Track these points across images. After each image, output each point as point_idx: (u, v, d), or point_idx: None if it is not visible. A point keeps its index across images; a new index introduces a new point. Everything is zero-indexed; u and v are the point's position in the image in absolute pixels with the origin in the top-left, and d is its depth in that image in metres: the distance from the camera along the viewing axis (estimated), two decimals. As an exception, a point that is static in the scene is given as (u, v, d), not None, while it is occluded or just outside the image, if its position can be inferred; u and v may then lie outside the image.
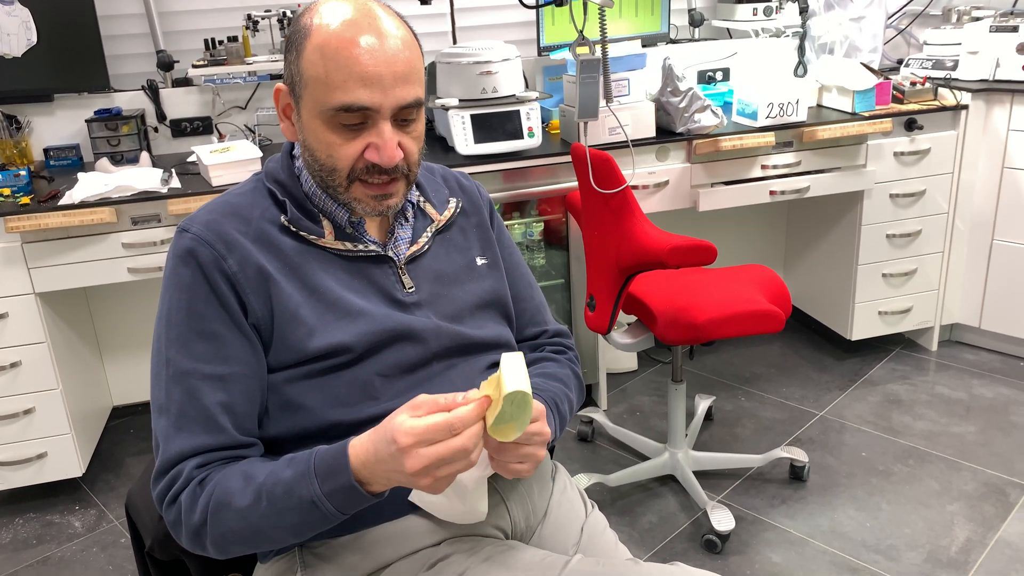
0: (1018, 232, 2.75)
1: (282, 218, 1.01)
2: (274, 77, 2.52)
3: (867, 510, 2.18)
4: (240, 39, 2.49)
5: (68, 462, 2.31)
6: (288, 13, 2.48)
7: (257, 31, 2.48)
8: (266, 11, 2.49)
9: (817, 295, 3.07)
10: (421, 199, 1.12)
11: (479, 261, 1.13)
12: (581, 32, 2.15)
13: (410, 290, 1.05)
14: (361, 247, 1.03)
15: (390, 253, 1.05)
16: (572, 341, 1.23)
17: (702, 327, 1.95)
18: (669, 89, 2.41)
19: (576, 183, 2.35)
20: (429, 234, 1.10)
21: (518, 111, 2.33)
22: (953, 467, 2.34)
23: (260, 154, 2.12)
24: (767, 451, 2.37)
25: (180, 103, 2.60)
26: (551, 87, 2.74)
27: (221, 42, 2.47)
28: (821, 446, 2.48)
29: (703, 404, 2.58)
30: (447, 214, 1.13)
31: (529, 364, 1.16)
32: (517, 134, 2.33)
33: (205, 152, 2.20)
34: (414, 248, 1.08)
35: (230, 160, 2.08)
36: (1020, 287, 2.79)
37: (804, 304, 3.17)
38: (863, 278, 2.81)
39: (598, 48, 2.19)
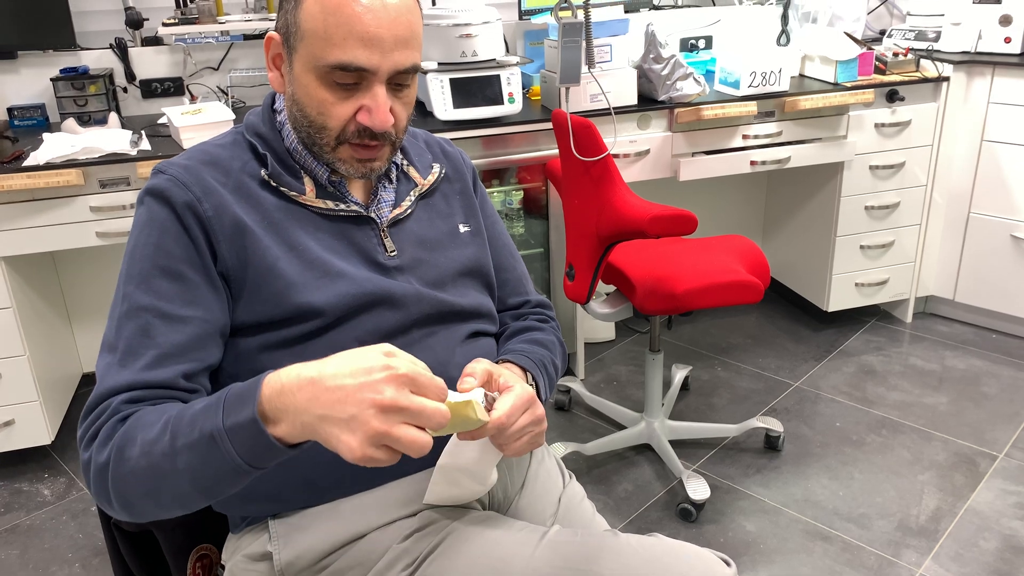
0: (994, 205, 2.77)
1: (262, 172, 0.98)
2: (248, 37, 2.45)
3: (840, 479, 2.20)
4: (212, -3, 2.41)
5: (36, 429, 2.27)
6: (262, -30, 2.41)
7: (229, -11, 2.40)
8: (239, -32, 2.41)
9: (795, 266, 3.07)
10: (404, 162, 1.09)
11: (462, 228, 1.11)
12: (563, -5, 2.10)
13: (392, 254, 1.02)
14: (343, 207, 1.01)
15: (372, 215, 1.03)
16: (553, 312, 1.21)
17: (681, 297, 1.94)
18: (652, 56, 2.38)
19: (557, 151, 2.32)
20: (413, 198, 1.07)
21: (498, 76, 2.28)
22: (925, 437, 2.37)
23: (233, 116, 2.06)
24: (743, 421, 2.38)
25: (150, 63, 2.52)
26: (532, 52, 2.69)
27: (192, 0, 2.39)
28: (796, 416, 2.50)
29: (680, 374, 2.59)
30: (431, 179, 1.10)
31: (513, 332, 1.14)
32: (497, 99, 2.29)
33: (176, 114, 2.14)
34: (397, 211, 1.05)
35: (202, 122, 2.02)
36: (994, 260, 2.81)
37: (781, 275, 3.18)
38: (841, 249, 2.81)
39: (580, 12, 2.15)
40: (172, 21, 2.36)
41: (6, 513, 2.19)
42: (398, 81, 0.95)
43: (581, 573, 0.86)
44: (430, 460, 0.98)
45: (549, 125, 2.32)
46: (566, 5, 2.10)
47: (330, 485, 0.96)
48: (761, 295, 2.00)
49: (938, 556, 1.91)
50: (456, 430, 0.83)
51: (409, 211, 1.06)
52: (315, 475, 0.95)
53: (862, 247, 2.83)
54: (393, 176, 1.07)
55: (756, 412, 2.52)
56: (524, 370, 1.04)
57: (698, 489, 2.08)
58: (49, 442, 2.32)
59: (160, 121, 2.35)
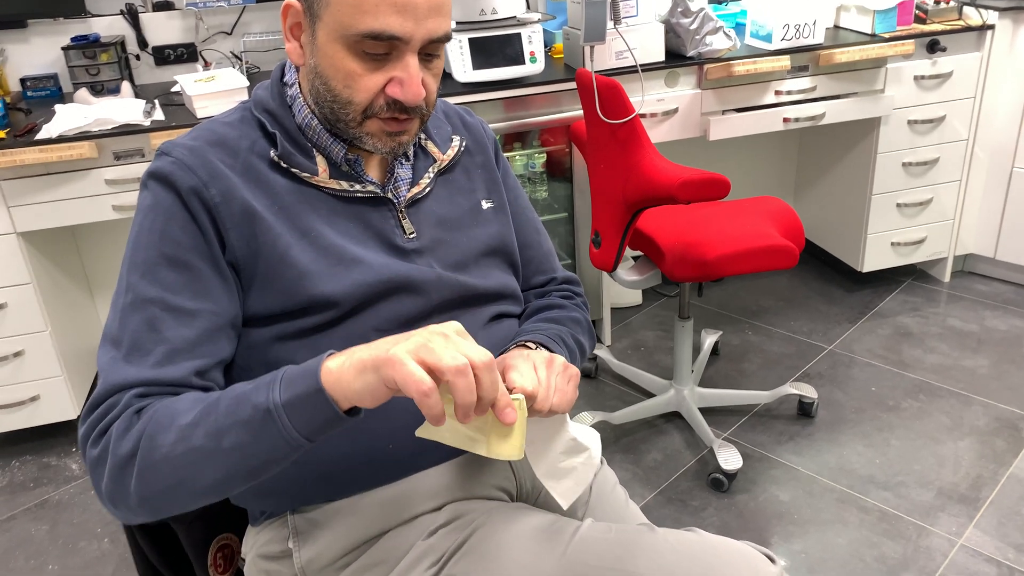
0: (1040, 159, 2.64)
1: (272, 152, 0.92)
2: (260, 0, 2.38)
3: (876, 446, 2.14)
4: (222, -42, 2.34)
5: (62, 404, 2.27)
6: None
7: (240, -51, 2.32)
8: (248, -73, 2.32)
9: (828, 226, 2.98)
10: (422, 136, 1.03)
11: (484, 205, 1.05)
12: (586, -53, 2.00)
13: (411, 236, 0.97)
14: (359, 187, 0.95)
15: (390, 195, 0.97)
16: (581, 288, 1.15)
17: (712, 264, 1.87)
18: (679, 10, 2.27)
19: (581, 112, 2.24)
20: (431, 175, 1.01)
21: (519, 34, 2.19)
22: (964, 402, 2.30)
23: (247, 83, 2.00)
24: (775, 387, 2.32)
25: (162, 29, 2.46)
26: (554, 8, 2.59)
27: (202, -39, 2.32)
28: (829, 381, 2.43)
29: (709, 339, 2.53)
30: (450, 153, 1.04)
31: (532, 311, 1.09)
32: (518, 59, 2.20)
33: (189, 81, 2.08)
34: (415, 190, 0.99)
35: (215, 90, 1.96)
36: (1039, 216, 2.70)
37: (814, 235, 3.08)
38: (876, 208, 2.71)
39: (605, -35, 2.04)
40: (182, -15, 2.29)
41: (35, 488, 2.21)
42: (429, 51, 0.88)
43: (615, 572, 0.82)
44: (451, 452, 0.94)
45: (572, 85, 2.23)
46: (589, -42, 2.00)
47: (348, 480, 0.92)
48: (796, 260, 1.93)
49: (979, 525, 1.86)
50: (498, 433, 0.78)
51: (428, 189, 1.00)
52: (331, 469, 0.91)
53: (899, 205, 2.73)
54: (410, 152, 1.01)
55: (788, 377, 2.46)
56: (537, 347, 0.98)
57: (730, 459, 2.03)
58: (75, 416, 2.32)
59: (174, 90, 2.29)
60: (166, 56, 2.47)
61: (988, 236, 2.84)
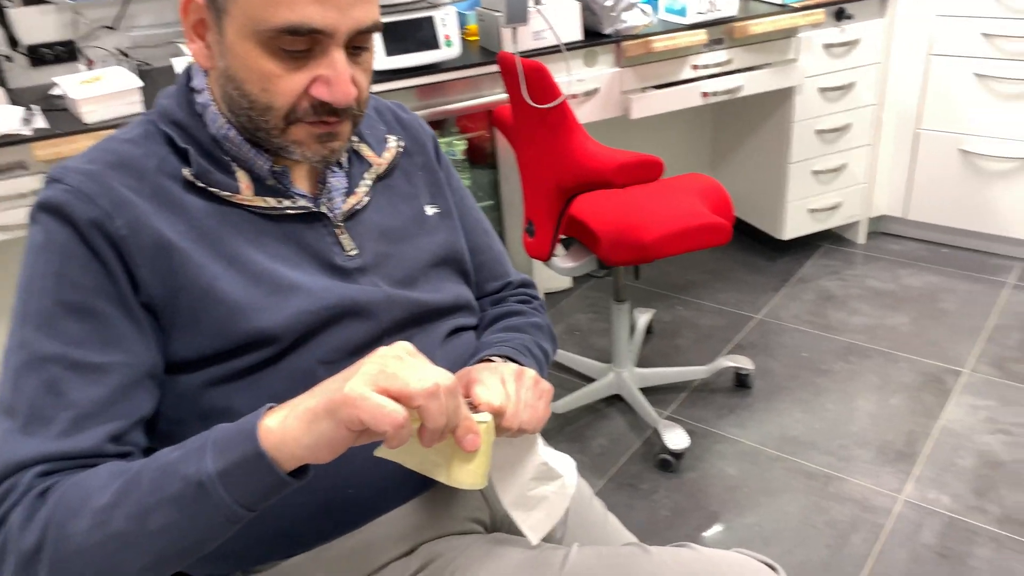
0: (943, 121, 2.73)
1: (185, 171, 0.80)
2: (146, -10, 2.19)
3: (814, 412, 2.18)
4: (100, -54, 2.14)
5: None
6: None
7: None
8: (127, -89, 2.13)
9: (747, 196, 3.01)
10: (355, 139, 0.93)
11: (429, 211, 0.96)
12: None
13: (352, 253, 0.87)
14: (288, 203, 0.84)
15: (324, 209, 0.87)
16: (537, 291, 1.09)
17: (650, 246, 1.84)
18: (594, -14, 2.22)
19: (502, 96, 2.17)
20: (369, 182, 0.92)
21: (431, 17, 2.09)
22: (891, 360, 2.36)
23: (139, 83, 1.83)
24: (710, 360, 2.33)
25: (35, 25, 2.23)
26: (464, -12, 2.49)
27: (77, -50, 2.12)
28: (762, 350, 2.46)
29: (643, 318, 2.52)
30: (387, 156, 0.94)
31: (490, 321, 1.02)
32: (432, 43, 2.10)
33: (72, 83, 1.90)
34: (352, 201, 0.89)
35: (103, 92, 1.79)
36: (945, 175, 2.80)
37: (734, 207, 3.10)
38: (794, 176, 2.75)
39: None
40: (56, -24, 2.09)
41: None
42: (357, 43, 0.78)
43: (615, 599, 0.77)
44: (416, 487, 0.87)
45: (492, 68, 2.15)
46: (501, -65, 1.92)
47: (306, 533, 0.83)
48: (730, 235, 1.92)
49: (919, 480, 1.91)
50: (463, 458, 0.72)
51: (366, 199, 0.90)
52: (286, 524, 0.81)
53: (814, 172, 2.78)
54: (344, 159, 0.91)
55: (722, 350, 2.48)
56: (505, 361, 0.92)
57: (677, 438, 2.03)
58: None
59: (53, 92, 2.09)
60: (42, 56, 2.25)
61: (898, 197, 2.93)
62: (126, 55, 2.23)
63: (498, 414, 0.76)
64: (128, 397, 0.74)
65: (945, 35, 2.62)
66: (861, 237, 3.01)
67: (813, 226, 2.89)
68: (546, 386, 0.82)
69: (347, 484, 0.82)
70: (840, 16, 2.53)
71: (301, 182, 0.88)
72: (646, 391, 2.22)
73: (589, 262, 1.99)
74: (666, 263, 3.01)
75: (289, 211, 0.84)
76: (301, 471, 0.67)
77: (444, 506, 0.88)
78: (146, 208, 0.77)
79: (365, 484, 0.81)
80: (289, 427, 0.65)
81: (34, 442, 0.70)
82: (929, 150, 2.79)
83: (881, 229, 3.08)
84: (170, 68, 2.16)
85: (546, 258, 1.95)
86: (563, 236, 2.04)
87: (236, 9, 0.74)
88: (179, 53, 2.07)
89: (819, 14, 2.43)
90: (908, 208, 2.92)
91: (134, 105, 1.80)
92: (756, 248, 3.05)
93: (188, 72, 0.86)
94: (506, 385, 0.78)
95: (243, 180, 0.83)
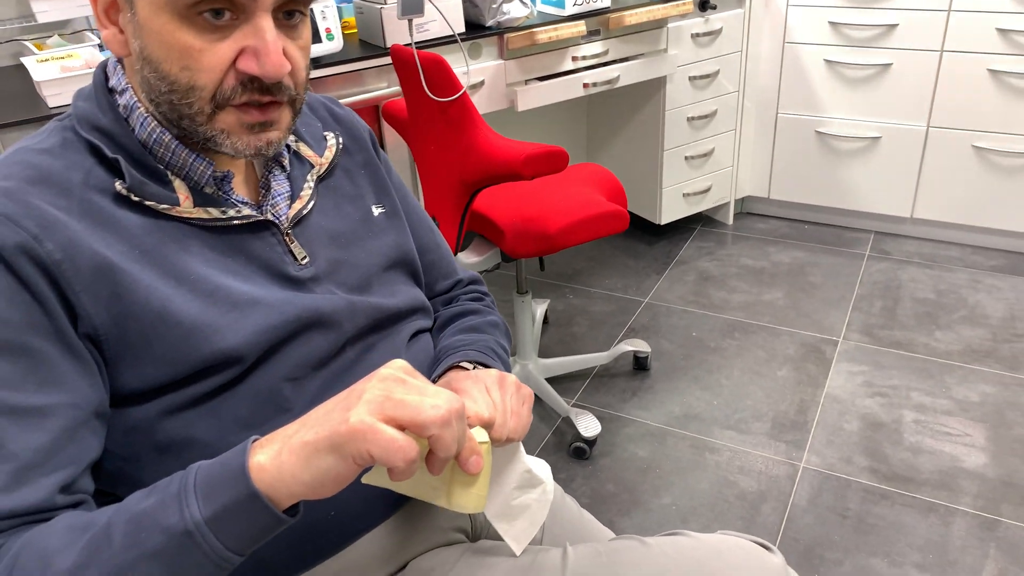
0: (799, 104, 2.91)
1: (117, 184, 0.71)
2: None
3: (711, 389, 2.27)
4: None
5: None
6: None
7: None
8: None
9: (623, 184, 3.07)
10: (293, 138, 0.86)
11: (375, 211, 0.90)
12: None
13: (304, 261, 0.81)
14: (232, 212, 0.76)
15: (269, 216, 0.80)
16: (486, 287, 1.05)
17: (554, 237, 1.84)
18: (474, -23, 2.19)
19: (388, 90, 2.10)
20: (311, 184, 0.85)
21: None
22: (773, 334, 2.49)
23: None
24: (608, 346, 2.37)
25: None
26: (335, -20, 2.39)
27: None
28: (654, 332, 2.53)
29: (539, 309, 2.52)
30: (328, 155, 0.88)
31: (446, 321, 0.98)
32: (313, 38, 2.00)
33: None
34: (297, 205, 0.82)
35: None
36: (802, 156, 2.98)
37: (610, 193, 3.18)
38: (668, 163, 2.85)
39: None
40: None
41: None
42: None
43: (623, 597, 0.75)
44: (395, 502, 0.82)
45: (373, 63, 2.08)
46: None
47: (288, 561, 0.76)
48: (628, 222, 1.95)
49: (813, 446, 2.03)
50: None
51: (311, 202, 0.84)
52: (265, 553, 0.74)
53: (687, 158, 2.89)
54: (286, 161, 0.84)
55: (616, 335, 2.53)
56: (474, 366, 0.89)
57: (589, 425, 2.04)
58: None
59: None
60: None
61: (761, 178, 3.10)
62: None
63: (487, 425, 0.72)
64: (74, 441, 0.66)
65: (798, 24, 2.79)
66: (730, 218, 3.16)
67: (687, 210, 3.00)
68: (527, 391, 0.79)
69: (328, 506, 0.76)
70: (704, 7, 2.64)
71: (240, 188, 0.80)
72: (551, 381, 2.23)
73: (493, 256, 1.97)
74: (550, 254, 3.03)
75: (235, 221, 0.77)
76: (294, 507, 0.61)
77: (425, 518, 0.84)
78: (78, 228, 0.68)
79: (346, 505, 0.76)
80: (285, 463, 0.59)
81: None
82: (788, 133, 2.97)
83: (747, 210, 3.25)
84: (17, 68, 1.94)
85: (453, 253, 1.90)
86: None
87: None
88: (26, 52, 1.85)
89: (687, 4, 2.52)
90: (770, 188, 3.10)
91: (-19, 110, 1.59)
92: (634, 233, 3.14)
93: (104, 70, 0.76)
94: (491, 393, 0.75)
95: (181, 190, 0.75)
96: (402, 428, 0.59)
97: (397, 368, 0.63)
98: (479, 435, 0.70)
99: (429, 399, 0.60)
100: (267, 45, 0.69)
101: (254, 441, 0.61)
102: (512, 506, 0.80)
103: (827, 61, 2.80)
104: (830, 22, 2.74)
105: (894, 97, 2.75)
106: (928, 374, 2.26)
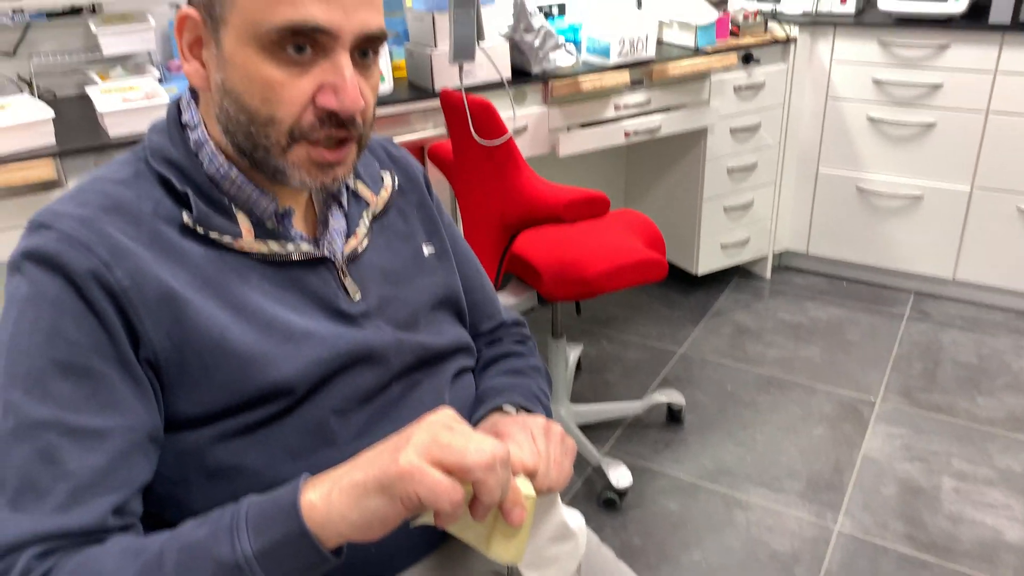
0: (840, 161, 2.91)
1: (185, 216, 0.74)
2: (51, 16, 2.03)
3: (744, 444, 2.23)
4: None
5: None
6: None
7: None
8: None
9: (660, 232, 3.08)
10: (352, 176, 0.88)
11: (426, 251, 0.92)
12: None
13: (356, 297, 0.82)
14: (291, 247, 0.78)
15: (326, 252, 0.81)
16: (528, 330, 1.06)
17: (592, 281, 1.84)
18: (522, 26, 2.24)
19: (435, 132, 2.14)
20: (367, 222, 0.87)
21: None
22: (809, 391, 2.46)
23: (51, 113, 1.69)
24: (640, 395, 2.35)
25: (-84, 48, 2.03)
26: (390, 23, 2.45)
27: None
28: (688, 383, 2.51)
29: (573, 354, 2.52)
30: (384, 195, 0.90)
31: (488, 362, 0.98)
32: (364, 79, 2.05)
33: (-32, 112, 1.72)
34: (353, 243, 0.84)
35: (11, 123, 1.63)
36: (842, 212, 2.97)
37: (647, 242, 3.18)
38: (707, 213, 2.85)
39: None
40: (-56, -4, 1.90)
41: None
42: (363, 49, 0.74)
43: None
44: (435, 541, 0.82)
45: (422, 105, 2.12)
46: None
47: None
48: (667, 271, 1.95)
49: (849, 509, 1.98)
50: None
51: (366, 240, 0.86)
52: None
53: (726, 209, 2.88)
54: (344, 199, 0.86)
55: (650, 384, 2.51)
56: (518, 410, 0.89)
57: (621, 476, 2.02)
58: None
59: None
60: (-76, 81, 2.04)
61: (800, 233, 3.08)
62: (28, 83, 2.06)
63: (530, 473, 0.72)
64: (128, 464, 0.67)
65: (841, 80, 2.80)
66: (767, 272, 3.14)
67: (725, 261, 2.99)
68: (571, 443, 0.79)
69: (370, 543, 0.75)
70: (748, 60, 2.66)
71: (299, 224, 0.82)
72: (582, 428, 2.21)
73: (529, 298, 1.97)
74: (586, 299, 3.03)
75: (294, 256, 0.79)
76: (339, 547, 0.62)
77: (461, 561, 0.83)
78: (146, 256, 0.70)
79: (387, 541, 0.75)
80: (335, 503, 0.60)
81: (28, 519, 0.62)
82: (828, 188, 2.96)
83: (785, 264, 3.23)
84: (81, 98, 2.01)
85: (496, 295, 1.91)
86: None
87: (235, 15, 0.69)
88: (89, 82, 1.92)
89: (732, 57, 2.54)
90: (809, 243, 3.08)
91: (46, 137, 1.65)
92: (670, 283, 3.13)
93: (177, 106, 0.79)
94: (536, 442, 0.75)
95: (244, 224, 0.77)
96: (449, 472, 0.60)
97: (445, 415, 0.65)
98: (525, 487, 0.69)
99: (474, 443, 0.61)
100: (345, 81, 0.71)
101: (306, 480, 0.62)
102: (544, 556, 0.80)
103: (870, 118, 2.80)
104: (874, 79, 2.75)
105: (937, 156, 2.73)
106: (969, 440, 2.20)
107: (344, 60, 0.71)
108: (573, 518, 0.82)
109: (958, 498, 2.00)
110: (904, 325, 2.78)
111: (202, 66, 0.74)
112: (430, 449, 0.60)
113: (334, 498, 0.60)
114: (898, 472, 2.10)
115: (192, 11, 0.72)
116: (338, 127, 0.73)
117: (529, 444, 0.74)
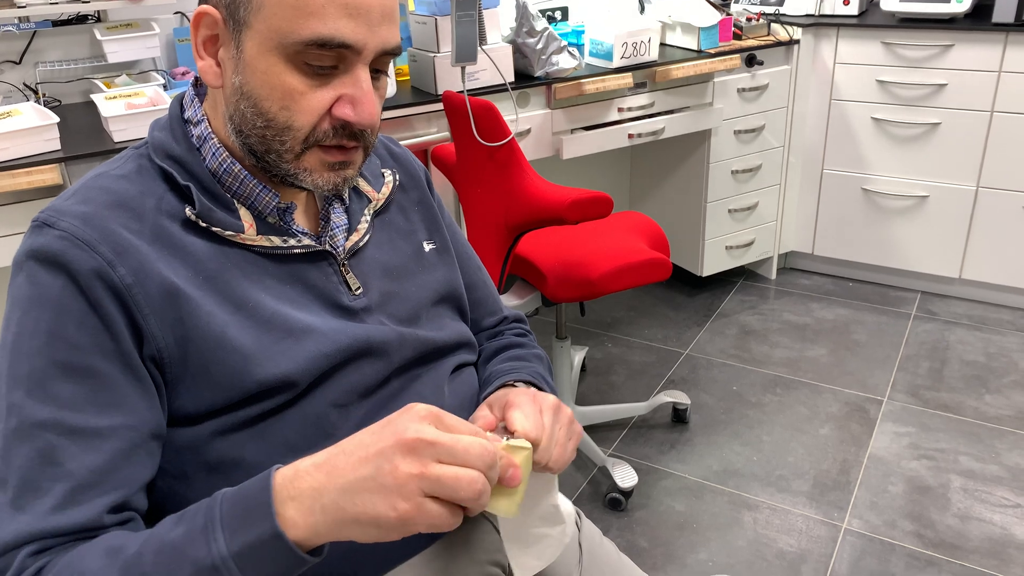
0: (845, 161, 2.90)
1: (187, 210, 0.74)
2: (56, 24, 2.05)
3: (751, 444, 2.23)
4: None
5: None
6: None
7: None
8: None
9: (666, 234, 3.08)
10: None
11: (427, 247, 0.93)
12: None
13: (357, 292, 0.83)
14: (293, 241, 0.79)
15: (328, 247, 0.82)
16: (528, 326, 1.06)
17: (597, 282, 1.85)
18: (525, 30, 2.25)
19: (438, 135, 2.15)
20: (368, 217, 0.88)
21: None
22: (815, 391, 2.45)
23: (55, 118, 1.70)
24: (646, 396, 2.35)
25: (-75, 57, 2.05)
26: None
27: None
28: (693, 384, 2.50)
29: (577, 356, 2.52)
30: (384, 191, 0.91)
31: (492, 352, 0.99)
32: (367, 83, 2.06)
33: (-24, 119, 1.74)
34: (354, 238, 0.85)
35: (17, 128, 1.65)
36: (848, 213, 2.96)
37: (652, 244, 3.18)
38: (711, 215, 2.85)
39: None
40: (-48, 5, 1.92)
41: None
42: (378, 66, 0.76)
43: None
44: (426, 540, 0.82)
45: (425, 108, 2.13)
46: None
47: None
48: (671, 271, 1.95)
49: (856, 508, 1.97)
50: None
51: (367, 235, 0.87)
52: None
53: (730, 211, 2.88)
54: (346, 195, 0.87)
55: (655, 385, 2.51)
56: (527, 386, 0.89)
57: (626, 476, 2.02)
58: None
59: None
60: (-67, 90, 2.07)
61: (806, 234, 3.08)
62: (34, 90, 2.08)
63: (536, 441, 0.73)
64: (129, 462, 0.68)
65: (845, 81, 2.80)
66: (773, 273, 3.13)
67: (729, 262, 2.99)
68: (578, 428, 0.79)
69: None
70: (751, 62, 2.66)
71: (301, 219, 0.83)
72: (587, 429, 2.21)
73: (533, 299, 1.98)
74: (589, 300, 3.04)
75: (296, 250, 0.79)
76: (318, 547, 0.62)
77: (463, 550, 0.84)
78: (149, 252, 0.71)
79: None
80: (319, 524, 0.61)
81: (25, 518, 0.63)
82: (833, 189, 2.96)
83: (790, 265, 3.22)
84: (86, 105, 2.03)
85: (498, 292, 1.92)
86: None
87: (260, 21, 0.70)
88: (94, 89, 1.94)
89: (735, 60, 2.55)
90: (814, 244, 3.07)
91: (51, 142, 1.67)
92: (675, 284, 3.13)
93: (180, 102, 0.80)
94: (543, 416, 0.75)
95: (246, 218, 0.78)
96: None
97: (420, 426, 0.61)
98: (521, 443, 0.70)
99: (464, 475, 0.59)
100: (364, 95, 0.73)
101: (277, 470, 0.62)
102: (530, 534, 0.80)
103: (874, 119, 2.79)
104: (878, 80, 2.75)
105: (942, 156, 2.73)
106: (977, 439, 2.19)
107: (363, 74, 0.73)
108: (565, 505, 0.82)
109: (966, 496, 1.99)
110: (911, 324, 2.78)
111: (216, 64, 0.75)
112: (420, 487, 0.59)
113: (318, 519, 0.60)
114: (906, 471, 2.09)
115: (212, 9, 0.73)
116: (350, 137, 0.75)
117: (536, 417, 0.74)
